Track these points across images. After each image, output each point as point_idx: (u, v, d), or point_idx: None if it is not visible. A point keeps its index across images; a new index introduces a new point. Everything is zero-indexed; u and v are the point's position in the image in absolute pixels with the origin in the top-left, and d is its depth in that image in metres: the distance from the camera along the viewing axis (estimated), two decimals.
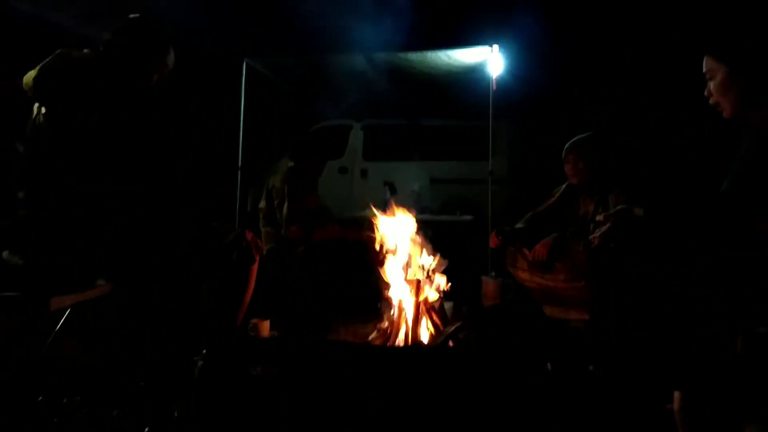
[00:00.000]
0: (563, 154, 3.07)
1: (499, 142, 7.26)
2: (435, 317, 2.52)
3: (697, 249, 1.78)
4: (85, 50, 1.93)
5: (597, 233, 2.44)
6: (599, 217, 2.45)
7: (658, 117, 7.41)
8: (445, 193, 7.57)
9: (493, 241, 3.08)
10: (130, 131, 1.85)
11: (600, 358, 2.18)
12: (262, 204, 3.64)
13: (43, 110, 1.85)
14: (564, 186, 3.19)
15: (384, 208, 6.10)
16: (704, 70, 1.86)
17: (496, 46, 5.58)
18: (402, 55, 5.98)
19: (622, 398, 2.03)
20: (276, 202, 3.50)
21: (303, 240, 3.46)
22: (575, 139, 3.07)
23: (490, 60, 5.70)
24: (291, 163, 3.69)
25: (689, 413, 1.67)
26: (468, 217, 5.82)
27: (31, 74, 1.84)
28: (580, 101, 8.33)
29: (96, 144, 1.81)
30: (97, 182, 1.81)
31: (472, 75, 6.18)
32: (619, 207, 2.37)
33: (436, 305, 2.60)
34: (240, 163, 6.13)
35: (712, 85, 1.84)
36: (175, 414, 1.85)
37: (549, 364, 2.36)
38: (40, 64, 1.84)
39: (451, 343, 2.23)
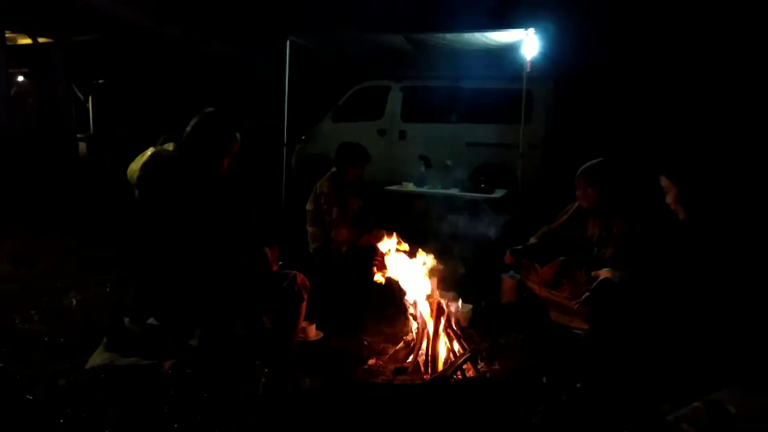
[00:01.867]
0: (576, 179, 3.39)
1: (536, 107, 7.37)
2: (452, 334, 3.04)
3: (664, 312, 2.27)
4: (172, 146, 2.43)
5: (583, 296, 2.87)
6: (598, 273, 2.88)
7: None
8: (480, 158, 7.82)
9: (507, 259, 3.52)
10: (208, 213, 2.39)
11: (590, 380, 2.67)
12: (309, 206, 4.14)
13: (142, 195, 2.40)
14: (576, 204, 3.54)
15: (418, 182, 6.45)
16: (661, 185, 2.34)
17: (531, 29, 5.67)
18: (439, 35, 6.15)
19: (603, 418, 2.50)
20: (324, 207, 4.01)
21: (348, 241, 3.99)
22: (586, 165, 3.36)
23: (526, 42, 5.82)
24: (334, 168, 4.16)
25: None
26: (498, 194, 5.99)
27: (135, 170, 2.37)
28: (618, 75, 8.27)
29: (180, 224, 2.35)
30: (185, 253, 2.37)
31: (509, 50, 6.31)
32: (601, 279, 2.80)
33: (453, 323, 3.10)
34: (285, 140, 6.57)
35: (668, 197, 2.39)
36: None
37: (545, 377, 2.86)
38: (142, 162, 2.36)
39: (458, 376, 2.75)
